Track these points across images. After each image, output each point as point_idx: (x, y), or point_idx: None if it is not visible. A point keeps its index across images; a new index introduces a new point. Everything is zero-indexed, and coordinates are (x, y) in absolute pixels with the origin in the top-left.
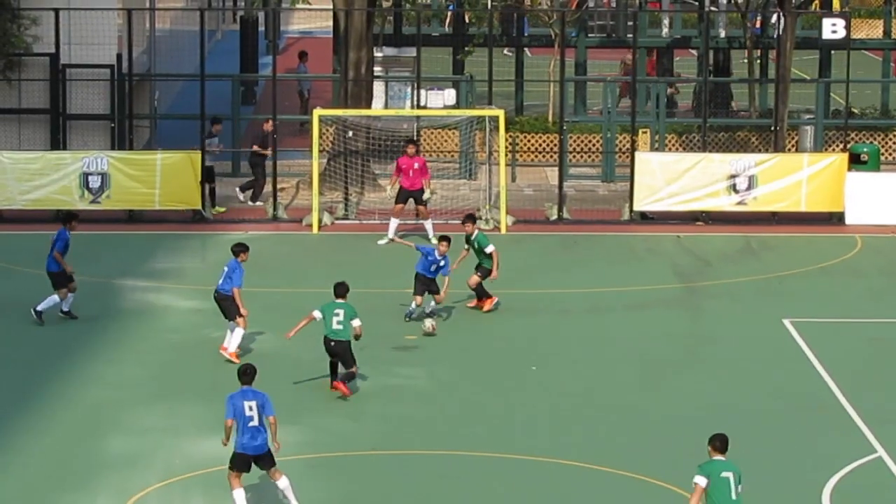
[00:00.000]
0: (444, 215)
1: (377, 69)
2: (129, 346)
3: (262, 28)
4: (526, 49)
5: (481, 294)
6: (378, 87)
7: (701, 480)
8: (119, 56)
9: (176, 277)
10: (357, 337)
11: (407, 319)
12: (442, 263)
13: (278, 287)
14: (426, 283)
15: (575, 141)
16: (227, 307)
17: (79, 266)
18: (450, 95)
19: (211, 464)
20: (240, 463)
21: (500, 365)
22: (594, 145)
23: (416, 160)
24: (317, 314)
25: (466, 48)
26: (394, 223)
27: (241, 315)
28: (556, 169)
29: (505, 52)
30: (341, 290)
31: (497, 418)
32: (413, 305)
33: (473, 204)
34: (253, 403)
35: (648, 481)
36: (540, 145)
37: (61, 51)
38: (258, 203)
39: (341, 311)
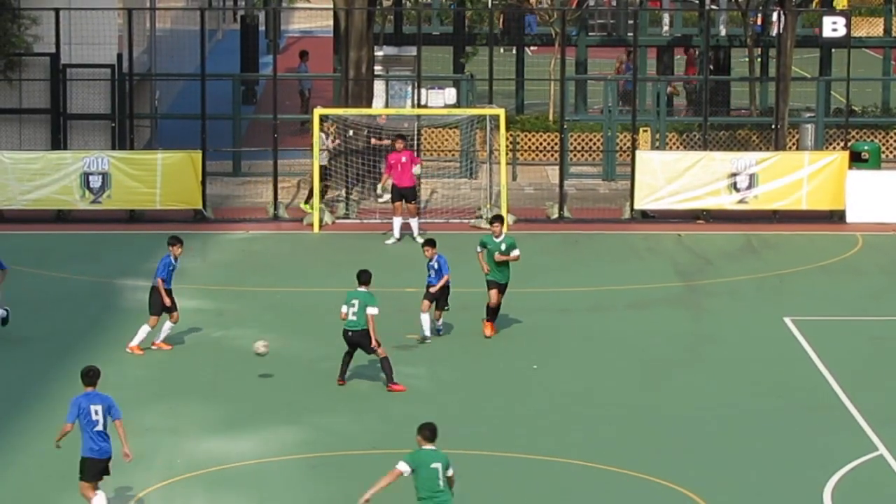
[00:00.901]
0: (444, 214)
1: (378, 68)
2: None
3: (262, 27)
4: (526, 48)
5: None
6: (379, 86)
7: (403, 467)
8: (119, 56)
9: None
10: (373, 339)
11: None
12: (436, 266)
13: (278, 287)
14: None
15: (576, 140)
16: (151, 299)
17: (79, 266)
18: (450, 94)
19: (212, 464)
20: (94, 471)
21: (500, 364)
22: (595, 144)
23: (403, 154)
24: (343, 308)
25: (468, 49)
26: (397, 221)
27: (166, 308)
28: (557, 168)
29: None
30: (364, 277)
31: (498, 418)
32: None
33: (474, 203)
34: (99, 407)
35: (650, 480)
36: (541, 144)
37: (62, 51)
38: (382, 199)
39: (357, 301)
